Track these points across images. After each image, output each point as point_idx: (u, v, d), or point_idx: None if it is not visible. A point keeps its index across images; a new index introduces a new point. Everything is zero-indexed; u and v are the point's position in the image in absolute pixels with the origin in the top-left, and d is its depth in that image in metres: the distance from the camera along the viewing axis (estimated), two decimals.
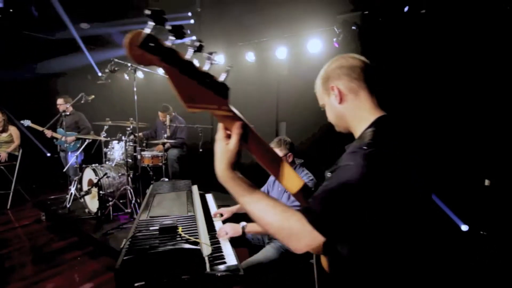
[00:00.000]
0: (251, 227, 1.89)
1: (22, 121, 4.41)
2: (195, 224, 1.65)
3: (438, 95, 2.64)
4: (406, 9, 2.75)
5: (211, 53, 0.65)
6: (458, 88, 2.55)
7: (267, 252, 1.94)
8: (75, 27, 4.59)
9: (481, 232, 2.27)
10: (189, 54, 0.62)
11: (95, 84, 5.89)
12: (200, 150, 3.76)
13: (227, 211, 2.15)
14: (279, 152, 2.03)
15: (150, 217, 1.73)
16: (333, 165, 0.86)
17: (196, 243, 1.41)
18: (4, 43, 4.71)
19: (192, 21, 4.35)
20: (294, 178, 0.88)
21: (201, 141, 3.77)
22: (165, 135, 3.52)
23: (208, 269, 1.37)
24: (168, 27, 0.58)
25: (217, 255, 1.53)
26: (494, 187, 2.25)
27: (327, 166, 0.90)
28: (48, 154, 6.09)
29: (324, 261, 1.03)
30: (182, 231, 1.48)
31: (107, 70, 2.91)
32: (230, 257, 1.53)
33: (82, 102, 3.83)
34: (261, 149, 0.82)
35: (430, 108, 2.64)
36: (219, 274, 1.36)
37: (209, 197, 2.55)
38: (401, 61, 2.77)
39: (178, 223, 1.58)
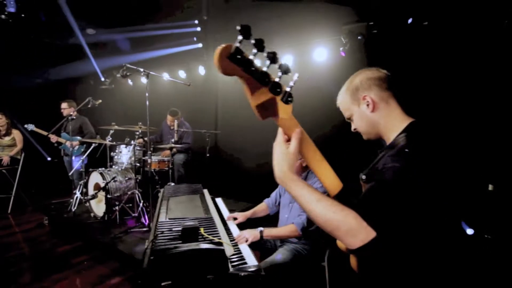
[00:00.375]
0: (268, 232, 1.93)
1: (26, 125, 4.41)
2: (215, 226, 1.68)
3: (441, 102, 2.73)
4: (409, 21, 2.86)
5: (283, 65, 0.72)
6: (460, 95, 2.65)
7: (281, 254, 1.98)
8: (81, 33, 4.64)
9: (486, 236, 2.34)
10: (265, 65, 0.69)
11: (99, 90, 5.94)
12: (207, 155, 3.80)
13: (242, 216, 2.18)
14: None
15: (169, 219, 1.76)
16: (368, 168, 0.93)
17: (220, 244, 1.45)
18: (11, 49, 4.74)
19: (198, 29, 4.43)
20: (335, 180, 0.93)
21: (208, 146, 3.81)
22: (173, 140, 3.55)
23: (231, 269, 1.40)
24: (252, 40, 0.64)
25: (237, 256, 1.57)
26: (498, 192, 2.34)
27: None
28: (49, 159, 6.06)
29: (353, 261, 1.08)
30: (204, 233, 1.52)
31: (118, 75, 2.95)
32: (250, 258, 1.57)
33: (89, 106, 3.85)
34: (311, 152, 0.89)
35: (433, 115, 2.72)
36: (242, 274, 1.39)
37: (219, 201, 2.58)
38: (404, 70, 2.87)
39: (198, 225, 1.61)
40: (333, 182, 0.92)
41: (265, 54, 0.67)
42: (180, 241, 1.46)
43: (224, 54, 0.63)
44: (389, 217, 0.76)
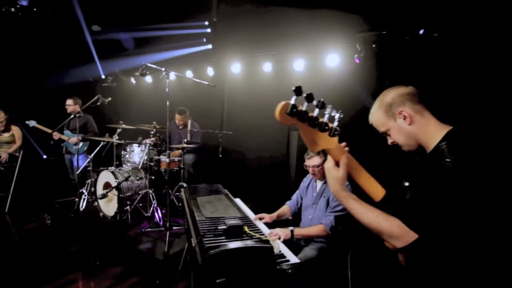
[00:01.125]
0: (298, 231, 2.00)
1: (27, 122, 4.28)
2: (254, 225, 1.72)
3: (448, 111, 2.88)
4: (421, 31, 3.02)
5: (329, 107, 0.88)
6: (465, 103, 2.81)
7: (307, 253, 2.05)
8: (88, 30, 4.57)
9: None
10: (315, 112, 0.87)
11: (101, 87, 5.83)
12: (220, 156, 3.82)
13: (269, 217, 2.23)
14: (319, 159, 2.16)
15: (206, 218, 1.78)
16: (409, 176, 1.04)
17: (267, 242, 1.49)
18: (12, 45, 4.60)
19: (208, 30, 4.46)
20: (379, 188, 1.07)
21: (220, 147, 3.83)
22: (185, 140, 3.55)
23: (278, 266, 1.45)
24: (304, 95, 0.80)
25: (280, 254, 1.62)
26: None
27: None
28: (44, 157, 5.87)
29: (400, 257, 1.16)
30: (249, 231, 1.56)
31: (137, 74, 2.93)
32: (291, 256, 1.62)
33: (99, 104, 3.79)
34: (357, 171, 1.06)
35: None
36: (290, 271, 1.44)
37: (239, 201, 2.61)
38: (415, 78, 3.01)
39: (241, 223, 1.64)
40: (377, 190, 1.07)
41: (315, 103, 0.84)
42: (226, 239, 1.50)
43: (283, 110, 0.81)
44: (431, 224, 0.87)
